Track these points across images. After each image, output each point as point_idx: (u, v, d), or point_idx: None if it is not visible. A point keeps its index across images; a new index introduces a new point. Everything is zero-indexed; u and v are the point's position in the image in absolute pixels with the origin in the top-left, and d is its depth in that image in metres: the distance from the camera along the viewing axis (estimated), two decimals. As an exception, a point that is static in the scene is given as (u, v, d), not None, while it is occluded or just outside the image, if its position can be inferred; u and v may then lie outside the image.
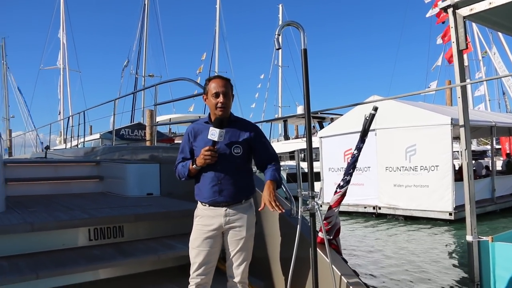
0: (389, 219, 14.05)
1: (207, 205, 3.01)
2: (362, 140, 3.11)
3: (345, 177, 3.17)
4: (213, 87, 2.98)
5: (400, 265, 8.15)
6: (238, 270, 3.03)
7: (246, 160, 3.09)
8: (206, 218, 3.01)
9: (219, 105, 2.95)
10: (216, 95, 2.96)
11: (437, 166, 13.05)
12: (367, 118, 3.03)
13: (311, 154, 2.95)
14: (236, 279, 3.04)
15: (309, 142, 3.00)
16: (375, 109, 3.00)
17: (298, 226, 3.00)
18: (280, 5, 44.34)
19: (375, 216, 14.51)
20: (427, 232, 11.74)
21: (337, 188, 3.21)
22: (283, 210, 2.94)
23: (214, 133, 2.83)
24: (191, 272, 3.00)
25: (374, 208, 14.67)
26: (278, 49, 3.05)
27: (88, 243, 3.93)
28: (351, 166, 3.16)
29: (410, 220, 13.45)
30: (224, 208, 2.98)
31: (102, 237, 4.01)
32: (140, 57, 37.18)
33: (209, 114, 3.08)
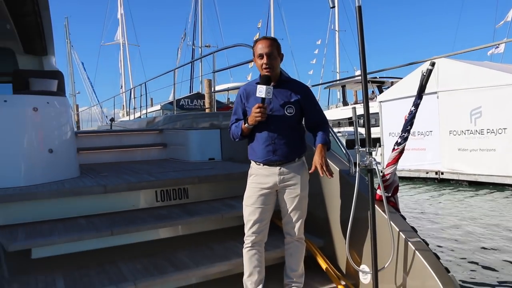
0: (452, 184, 13.70)
1: (262, 164, 3.08)
2: (419, 96, 3.07)
3: (403, 134, 3.16)
4: (258, 48, 3.01)
5: (463, 230, 8.00)
6: (295, 228, 3.11)
7: (298, 120, 3.13)
8: (260, 177, 3.08)
9: (264, 65, 2.98)
10: (261, 56, 2.99)
11: (505, 129, 12.48)
12: (424, 74, 2.98)
13: (367, 106, 2.93)
14: (293, 236, 3.14)
15: (366, 94, 2.97)
16: (432, 64, 2.94)
17: (356, 182, 3.03)
18: (335, -34, 42.95)
19: (437, 182, 14.18)
20: (493, 198, 11.38)
21: (394, 145, 3.20)
22: (332, 176, 3.01)
23: (261, 90, 2.87)
24: (246, 230, 3.11)
25: (436, 173, 14.31)
26: (332, 7, 3.05)
27: (155, 204, 4.17)
28: (409, 123, 3.13)
29: (475, 185, 13.04)
30: (278, 167, 3.04)
31: (168, 198, 4.24)
32: (196, 28, 37.51)
33: (260, 75, 3.10)
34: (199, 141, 6.00)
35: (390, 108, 16.04)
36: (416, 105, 3.08)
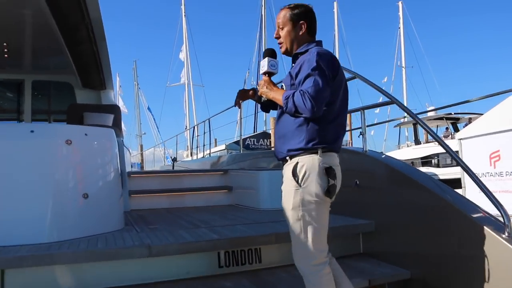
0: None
1: None
2: None
3: None
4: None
5: None
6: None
7: None
8: None
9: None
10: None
11: None
12: None
13: None
14: None
15: None
16: None
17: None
18: (400, 2, 41.70)
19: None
20: None
21: None
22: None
23: (263, 64, 2.47)
24: None
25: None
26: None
27: (217, 271, 3.07)
28: None
29: None
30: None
31: (235, 263, 3.13)
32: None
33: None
34: (270, 184, 4.90)
35: (473, 146, 14.20)
36: None
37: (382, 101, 3.69)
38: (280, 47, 2.49)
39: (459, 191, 13.90)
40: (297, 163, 2.24)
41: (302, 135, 2.25)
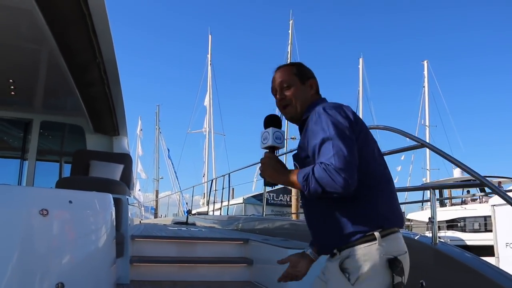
0: None
1: None
2: None
3: None
4: (272, 83, 2.01)
5: None
6: None
7: None
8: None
9: (277, 104, 1.99)
10: (274, 92, 2.00)
11: None
12: None
13: None
14: None
15: None
16: None
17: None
18: (425, 61, 41.42)
19: None
20: None
21: None
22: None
23: (265, 137, 1.90)
24: None
25: None
26: None
27: None
28: None
29: None
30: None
31: None
32: (282, 122, 36.87)
33: None
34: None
35: (508, 213, 13.10)
36: None
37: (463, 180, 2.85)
38: (285, 113, 1.98)
39: (491, 259, 12.77)
40: (348, 257, 1.66)
41: (347, 215, 1.69)
